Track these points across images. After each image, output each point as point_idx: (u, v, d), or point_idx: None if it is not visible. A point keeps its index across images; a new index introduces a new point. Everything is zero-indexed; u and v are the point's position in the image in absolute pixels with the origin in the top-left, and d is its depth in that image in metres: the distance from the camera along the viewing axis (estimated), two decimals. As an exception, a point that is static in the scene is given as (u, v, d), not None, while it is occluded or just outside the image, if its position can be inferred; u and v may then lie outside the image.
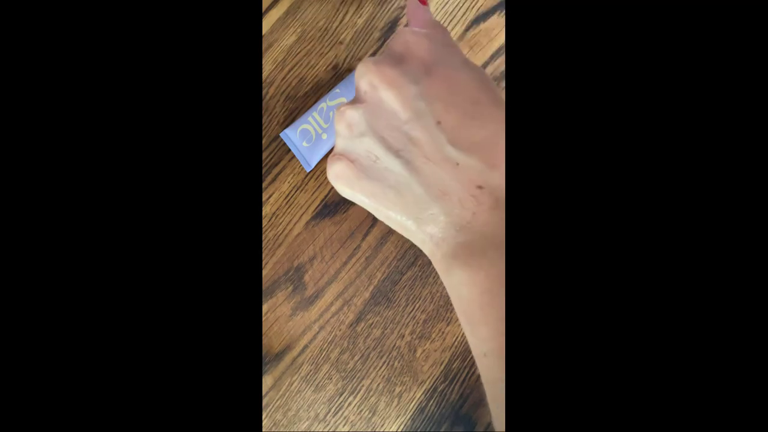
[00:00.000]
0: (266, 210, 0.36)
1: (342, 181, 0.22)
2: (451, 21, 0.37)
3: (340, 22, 0.37)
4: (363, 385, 0.35)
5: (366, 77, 0.21)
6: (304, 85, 0.37)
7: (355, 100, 0.22)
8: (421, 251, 0.36)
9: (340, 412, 0.35)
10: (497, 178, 0.19)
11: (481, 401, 0.35)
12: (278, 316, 0.36)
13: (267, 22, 0.37)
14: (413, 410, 0.35)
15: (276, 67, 0.37)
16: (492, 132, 0.20)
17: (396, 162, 0.20)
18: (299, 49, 0.37)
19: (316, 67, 0.37)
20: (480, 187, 0.19)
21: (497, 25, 0.37)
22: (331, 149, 0.36)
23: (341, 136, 0.23)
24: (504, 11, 0.37)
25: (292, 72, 0.37)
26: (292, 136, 0.34)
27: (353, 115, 0.22)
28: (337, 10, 0.37)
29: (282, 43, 0.37)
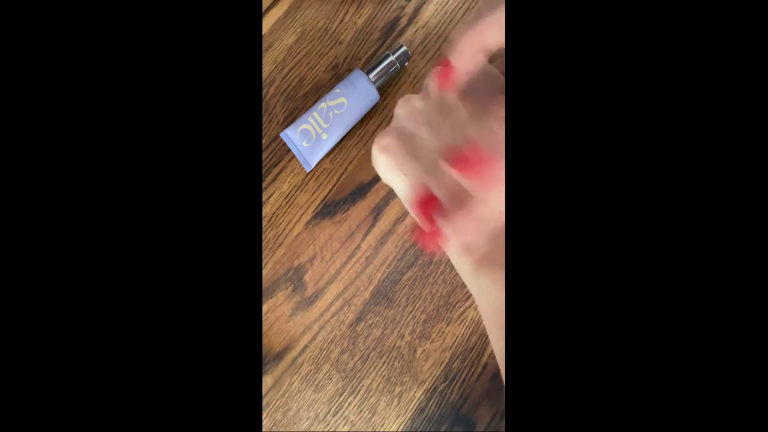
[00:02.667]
0: (266, 210, 0.36)
1: (388, 153, 0.22)
2: (451, 21, 0.37)
3: (340, 22, 0.37)
4: (363, 385, 0.35)
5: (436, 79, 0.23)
6: (304, 85, 0.37)
7: (421, 94, 0.24)
8: (421, 251, 0.36)
9: (340, 412, 0.35)
10: None
11: (481, 401, 0.35)
12: (278, 316, 0.36)
13: (267, 22, 0.37)
14: (413, 410, 0.35)
15: (276, 67, 0.37)
16: None
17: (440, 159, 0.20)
18: (299, 49, 0.37)
19: (316, 67, 0.37)
20: None
21: (497, 25, 0.37)
22: (331, 150, 0.36)
23: (401, 118, 0.23)
24: (504, 11, 0.37)
25: (292, 72, 0.37)
26: (292, 136, 0.34)
27: (418, 105, 0.23)
28: (337, 10, 0.37)
29: (282, 43, 0.37)
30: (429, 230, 0.21)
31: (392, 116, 0.24)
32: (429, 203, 0.21)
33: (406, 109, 0.23)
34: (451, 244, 0.21)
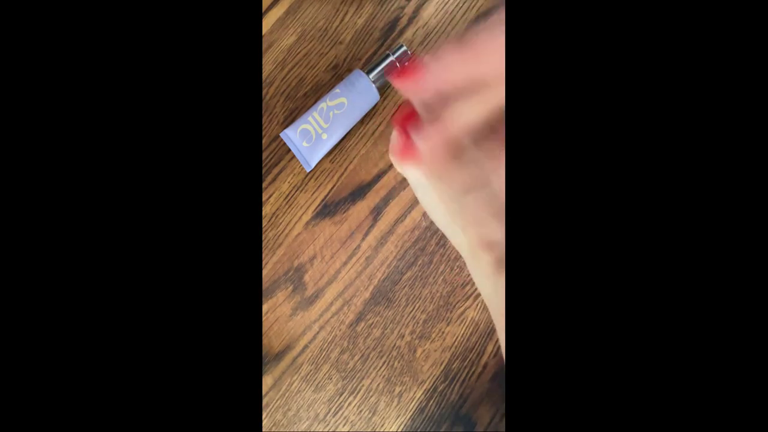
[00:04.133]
0: (266, 210, 0.36)
1: (433, 155, 0.19)
2: (451, 21, 0.37)
3: (340, 22, 0.37)
4: (363, 385, 0.35)
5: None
6: (304, 85, 0.37)
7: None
8: (421, 252, 0.36)
9: (340, 412, 0.35)
10: None
11: (481, 401, 0.35)
12: (278, 316, 0.36)
13: (267, 22, 0.37)
14: (413, 410, 0.35)
15: (276, 67, 0.37)
16: None
17: (479, 152, 0.19)
18: (299, 49, 0.37)
19: (316, 67, 0.37)
20: None
21: (497, 25, 0.37)
22: (331, 150, 0.36)
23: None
24: (504, 11, 0.37)
25: (292, 72, 0.37)
26: (292, 136, 0.34)
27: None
28: (337, 10, 0.37)
29: (282, 43, 0.37)
30: (403, 143, 0.19)
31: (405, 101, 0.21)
32: (408, 118, 0.20)
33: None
34: (468, 236, 0.20)
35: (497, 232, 0.19)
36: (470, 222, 0.19)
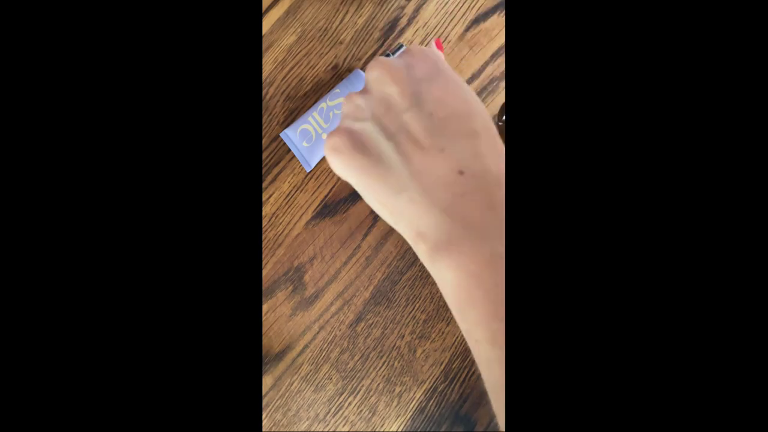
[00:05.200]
0: (266, 210, 0.36)
1: (338, 153, 0.23)
2: (451, 21, 0.37)
3: (340, 22, 0.37)
4: (363, 385, 0.35)
5: (376, 71, 0.24)
6: (304, 85, 0.37)
7: (363, 91, 0.25)
8: (421, 251, 0.36)
9: (340, 412, 0.35)
10: (479, 165, 0.21)
11: (481, 401, 0.35)
12: (278, 316, 0.36)
13: (267, 22, 0.37)
14: (413, 410, 0.35)
15: (276, 67, 0.37)
16: (479, 126, 0.22)
17: (389, 144, 0.22)
18: (299, 49, 0.37)
19: (316, 67, 0.37)
20: (461, 172, 0.20)
21: (497, 25, 0.37)
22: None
23: (346, 117, 0.25)
24: (504, 11, 0.37)
25: (292, 72, 0.37)
26: (292, 136, 0.34)
27: (359, 101, 0.25)
28: (337, 10, 0.37)
29: (282, 43, 0.37)
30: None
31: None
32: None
33: (348, 108, 0.25)
34: (405, 233, 0.22)
35: (428, 224, 0.21)
36: (404, 217, 0.22)
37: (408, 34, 0.37)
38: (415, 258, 0.36)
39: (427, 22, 0.37)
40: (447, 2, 0.37)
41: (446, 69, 0.25)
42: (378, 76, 0.24)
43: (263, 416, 0.35)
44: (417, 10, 0.37)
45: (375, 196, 0.23)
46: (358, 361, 0.36)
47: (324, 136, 0.34)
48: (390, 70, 0.24)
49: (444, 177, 0.21)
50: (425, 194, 0.21)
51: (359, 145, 0.23)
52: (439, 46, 0.33)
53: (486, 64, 0.37)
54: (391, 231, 0.36)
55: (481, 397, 0.35)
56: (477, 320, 0.19)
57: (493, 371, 0.19)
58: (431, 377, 0.35)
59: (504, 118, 0.34)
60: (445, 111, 0.22)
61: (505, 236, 0.18)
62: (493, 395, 0.19)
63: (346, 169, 0.23)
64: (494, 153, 0.21)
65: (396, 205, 0.22)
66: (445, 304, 0.36)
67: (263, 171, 0.36)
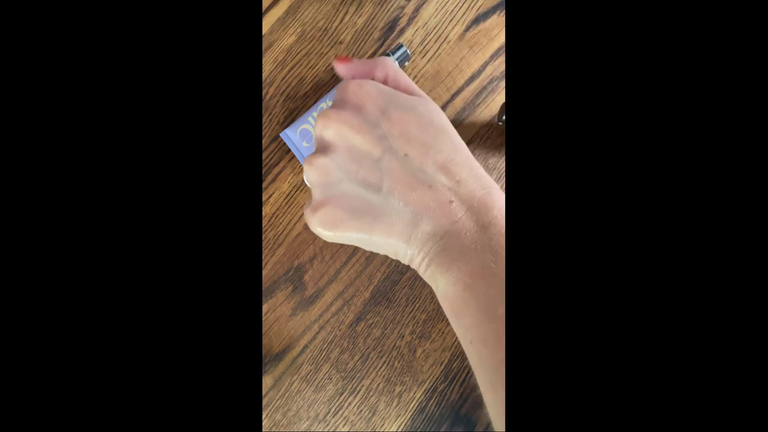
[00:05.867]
0: (266, 210, 0.36)
1: (331, 225, 0.23)
2: (451, 21, 0.37)
3: (340, 22, 0.37)
4: (363, 385, 0.35)
5: (332, 128, 0.24)
6: (304, 85, 0.37)
7: (322, 150, 0.24)
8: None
9: (340, 412, 0.35)
10: (464, 191, 0.23)
11: (481, 401, 0.35)
12: (278, 316, 0.36)
13: (267, 22, 0.37)
14: (413, 410, 0.35)
15: (276, 67, 0.37)
16: (448, 152, 0.24)
17: (379, 196, 0.23)
18: (299, 49, 0.37)
19: (316, 67, 0.37)
20: (451, 202, 0.22)
21: (497, 25, 0.37)
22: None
23: (318, 186, 0.24)
24: (504, 11, 0.37)
25: (292, 72, 0.37)
26: (292, 136, 0.34)
27: (327, 163, 0.24)
28: (337, 10, 0.37)
29: (282, 43, 0.37)
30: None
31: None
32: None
33: (316, 175, 0.24)
34: (405, 261, 0.24)
35: (428, 252, 0.23)
36: (408, 253, 0.23)
37: (408, 34, 0.37)
38: (415, 258, 0.36)
39: (426, 22, 0.37)
40: (447, 2, 0.37)
41: (386, 91, 0.25)
42: (334, 132, 0.24)
43: (263, 416, 0.35)
44: (417, 10, 0.37)
45: (381, 248, 0.24)
46: (358, 361, 0.36)
47: None
48: (345, 122, 0.23)
49: (438, 209, 0.22)
50: (426, 232, 0.22)
51: (348, 210, 0.23)
52: (344, 60, 0.28)
53: (486, 64, 0.37)
54: (391, 231, 0.36)
55: (481, 397, 0.35)
56: (470, 324, 0.21)
57: (485, 369, 0.21)
58: (431, 377, 0.35)
59: (504, 118, 0.34)
60: (416, 146, 0.23)
61: (495, 253, 0.21)
62: (486, 394, 0.21)
63: (343, 237, 0.24)
64: (471, 174, 0.23)
65: (399, 245, 0.23)
66: (445, 304, 0.36)
67: (263, 171, 0.36)
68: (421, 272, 0.24)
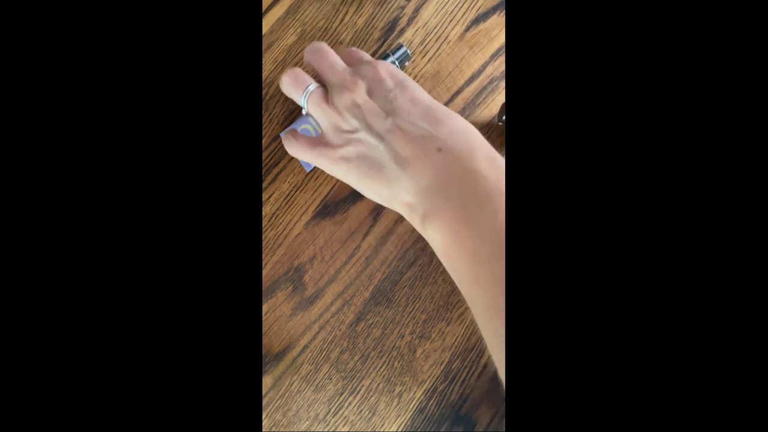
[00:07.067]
0: (266, 210, 0.36)
1: (347, 162, 0.28)
2: (451, 21, 0.37)
3: (340, 22, 0.37)
4: (363, 385, 0.35)
5: (364, 69, 0.29)
6: (304, 85, 0.37)
7: (348, 104, 0.28)
8: (421, 251, 0.36)
9: (340, 412, 0.35)
10: (453, 141, 0.25)
11: (481, 401, 0.35)
12: (278, 316, 0.36)
13: (267, 22, 0.37)
14: (413, 410, 0.35)
15: (276, 67, 0.37)
16: (443, 114, 0.27)
17: (380, 145, 0.27)
18: (299, 49, 0.37)
19: (316, 67, 0.37)
20: (440, 150, 0.25)
21: (497, 25, 0.37)
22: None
23: (340, 131, 0.29)
24: (504, 11, 0.37)
25: (292, 72, 0.37)
26: None
27: (348, 111, 0.28)
28: (337, 10, 0.37)
29: (282, 43, 0.37)
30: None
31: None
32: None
33: (337, 118, 0.29)
34: (400, 211, 0.28)
35: (417, 201, 0.26)
36: (398, 200, 0.27)
37: (408, 34, 0.37)
38: (416, 258, 0.36)
39: (426, 22, 0.37)
40: (447, 2, 0.37)
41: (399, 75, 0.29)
42: (366, 71, 0.28)
43: (263, 416, 0.35)
44: (417, 10, 0.37)
45: (372, 190, 0.28)
46: (358, 361, 0.36)
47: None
48: (373, 67, 0.28)
49: (426, 157, 0.25)
50: (413, 178, 0.25)
51: (363, 157, 0.27)
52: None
53: (486, 64, 0.37)
54: (391, 231, 0.36)
55: (481, 397, 0.35)
56: (460, 266, 0.24)
57: (480, 308, 0.24)
58: (431, 377, 0.35)
59: (504, 118, 0.34)
60: (424, 101, 0.27)
61: (478, 199, 0.23)
62: (485, 332, 0.24)
63: (348, 177, 0.29)
64: (461, 131, 0.26)
65: (390, 193, 0.27)
66: (445, 304, 0.36)
67: (263, 171, 0.36)
68: (413, 223, 0.27)
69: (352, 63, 0.30)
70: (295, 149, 0.31)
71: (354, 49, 0.33)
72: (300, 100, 0.31)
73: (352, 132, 0.28)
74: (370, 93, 0.28)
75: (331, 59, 0.30)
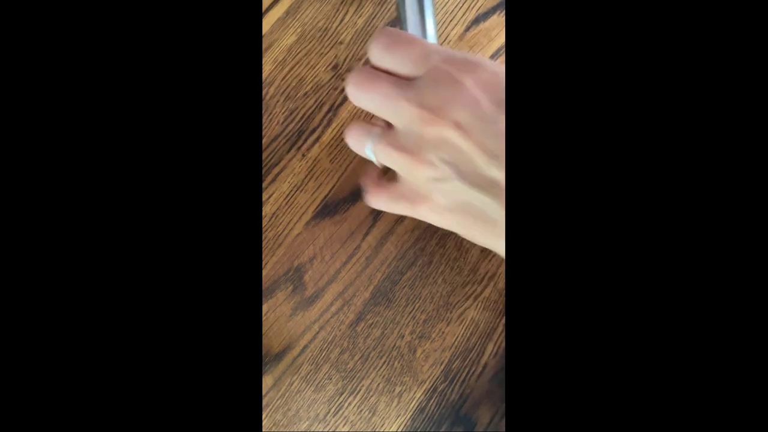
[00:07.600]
0: (266, 210, 0.36)
1: (443, 213, 0.26)
2: (451, 21, 0.37)
3: (340, 22, 0.37)
4: (363, 385, 0.35)
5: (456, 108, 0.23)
6: (304, 85, 0.37)
7: (432, 142, 0.24)
8: (421, 251, 0.36)
9: (340, 412, 0.35)
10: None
11: (481, 401, 0.35)
12: (278, 316, 0.36)
13: (267, 22, 0.37)
14: (413, 410, 0.35)
15: (276, 67, 0.37)
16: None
17: (486, 198, 0.23)
18: (299, 49, 0.37)
19: (316, 67, 0.37)
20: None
21: (497, 25, 0.37)
22: (330, 150, 0.36)
23: (431, 181, 0.25)
24: (504, 11, 0.37)
25: (292, 72, 0.37)
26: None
27: (435, 155, 0.24)
28: (337, 10, 0.37)
29: (282, 43, 0.37)
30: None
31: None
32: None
33: (429, 170, 0.25)
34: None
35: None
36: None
37: (408, 34, 0.37)
38: (415, 258, 0.36)
39: (427, 22, 0.37)
40: (447, 2, 0.37)
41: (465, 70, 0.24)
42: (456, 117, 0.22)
43: (263, 416, 0.35)
44: (417, 10, 0.37)
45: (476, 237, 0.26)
46: (358, 361, 0.36)
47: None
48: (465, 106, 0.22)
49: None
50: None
51: (464, 211, 0.25)
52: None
53: (486, 64, 0.37)
54: (391, 231, 0.36)
55: (481, 397, 0.35)
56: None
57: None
58: (431, 377, 0.35)
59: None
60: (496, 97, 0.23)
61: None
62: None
63: (443, 223, 0.28)
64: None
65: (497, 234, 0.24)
66: (445, 304, 0.36)
67: (263, 171, 0.36)
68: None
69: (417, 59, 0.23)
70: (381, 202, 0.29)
71: (397, 31, 0.25)
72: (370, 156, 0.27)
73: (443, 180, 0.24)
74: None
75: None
